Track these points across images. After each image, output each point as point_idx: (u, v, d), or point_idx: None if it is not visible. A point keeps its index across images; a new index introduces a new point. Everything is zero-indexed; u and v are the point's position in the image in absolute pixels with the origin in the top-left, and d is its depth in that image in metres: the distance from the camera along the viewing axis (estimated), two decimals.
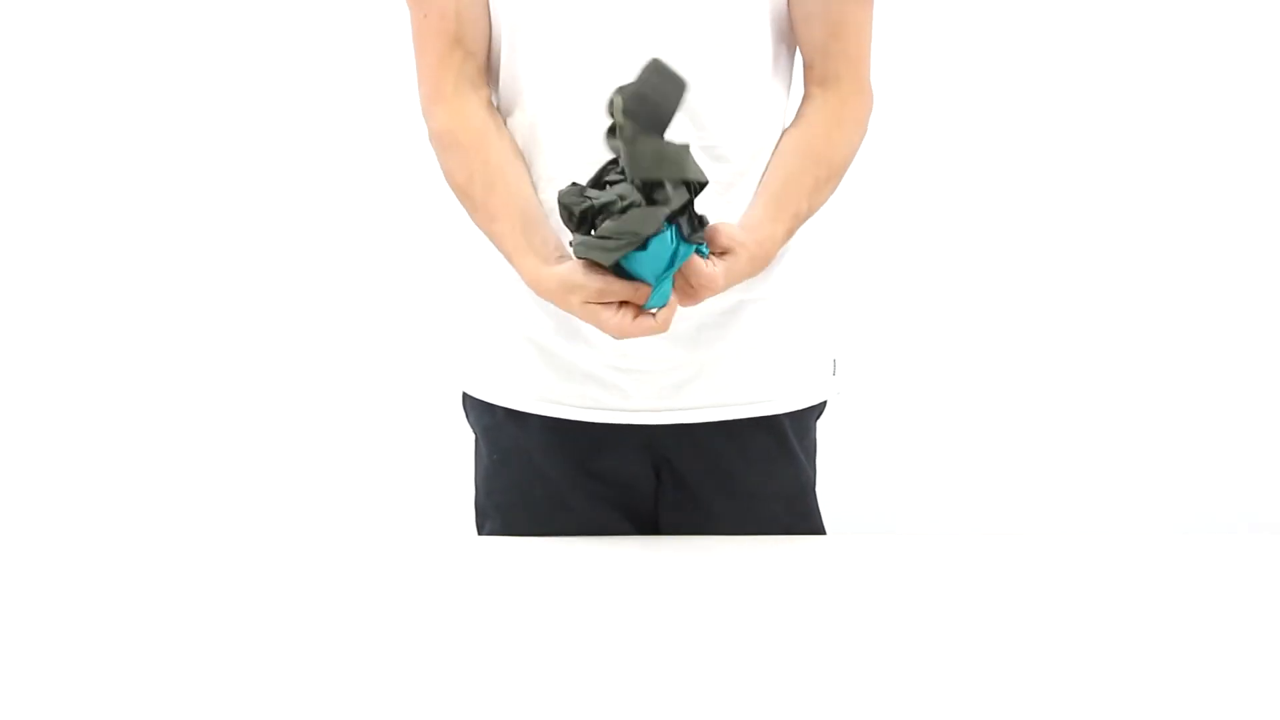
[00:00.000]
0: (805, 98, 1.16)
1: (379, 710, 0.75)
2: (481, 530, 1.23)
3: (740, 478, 1.18)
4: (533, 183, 1.08)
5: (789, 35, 1.14)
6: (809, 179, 1.09)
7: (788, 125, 1.15)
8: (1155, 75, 2.02)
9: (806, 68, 1.15)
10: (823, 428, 1.26)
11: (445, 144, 1.08)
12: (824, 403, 1.24)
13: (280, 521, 2.07)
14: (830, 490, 1.27)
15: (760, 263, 1.04)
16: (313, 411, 2.10)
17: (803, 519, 1.21)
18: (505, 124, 1.11)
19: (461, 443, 1.28)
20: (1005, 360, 2.07)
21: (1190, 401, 2.07)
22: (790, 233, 1.09)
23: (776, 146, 1.12)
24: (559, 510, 1.17)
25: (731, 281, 1.00)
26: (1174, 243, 2.05)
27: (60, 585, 1.01)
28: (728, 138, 1.08)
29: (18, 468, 2.11)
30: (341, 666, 0.82)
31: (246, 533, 1.92)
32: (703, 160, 1.08)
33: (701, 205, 0.96)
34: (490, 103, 1.11)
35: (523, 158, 1.09)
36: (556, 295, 0.98)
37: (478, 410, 1.22)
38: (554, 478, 1.16)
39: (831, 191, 1.12)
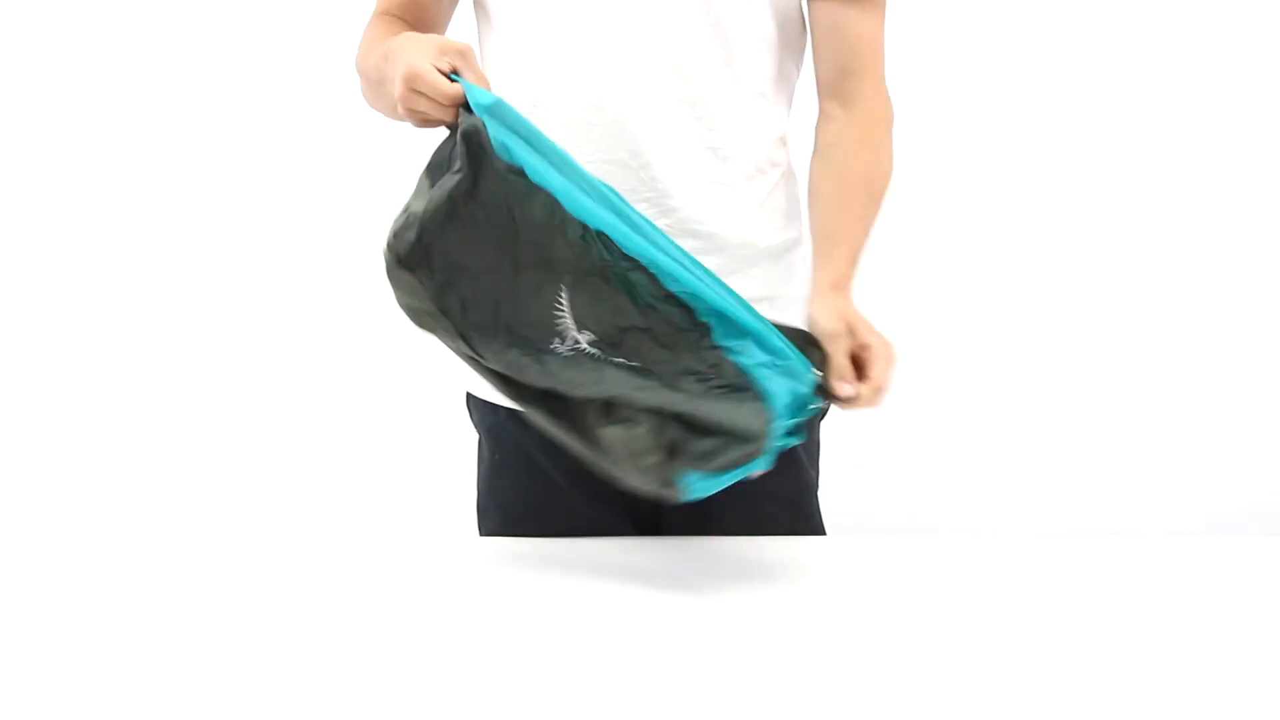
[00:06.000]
0: (824, 118, 1.14)
1: (380, 710, 0.75)
2: (482, 530, 1.23)
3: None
4: None
5: (797, 39, 1.15)
6: (856, 208, 1.10)
7: (812, 151, 1.14)
8: (1155, 77, 2.02)
9: (824, 85, 1.15)
10: (825, 429, 1.26)
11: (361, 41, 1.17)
12: (827, 405, 1.23)
13: (282, 521, 2.07)
14: (831, 491, 1.27)
15: (845, 293, 1.08)
16: (316, 411, 2.11)
17: (804, 521, 1.21)
18: None
19: (464, 443, 1.28)
20: (1007, 362, 2.07)
21: (1190, 402, 2.06)
22: (854, 257, 1.09)
23: (810, 183, 1.12)
24: (560, 510, 1.17)
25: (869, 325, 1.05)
26: (1174, 244, 2.04)
27: (62, 586, 1.01)
28: (732, 138, 1.09)
29: (20, 470, 2.11)
30: (342, 666, 0.82)
31: (249, 532, 1.93)
32: (708, 161, 1.09)
33: (701, 203, 0.94)
34: None
35: None
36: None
37: (481, 410, 1.22)
38: (555, 478, 1.16)
39: (878, 209, 1.12)
